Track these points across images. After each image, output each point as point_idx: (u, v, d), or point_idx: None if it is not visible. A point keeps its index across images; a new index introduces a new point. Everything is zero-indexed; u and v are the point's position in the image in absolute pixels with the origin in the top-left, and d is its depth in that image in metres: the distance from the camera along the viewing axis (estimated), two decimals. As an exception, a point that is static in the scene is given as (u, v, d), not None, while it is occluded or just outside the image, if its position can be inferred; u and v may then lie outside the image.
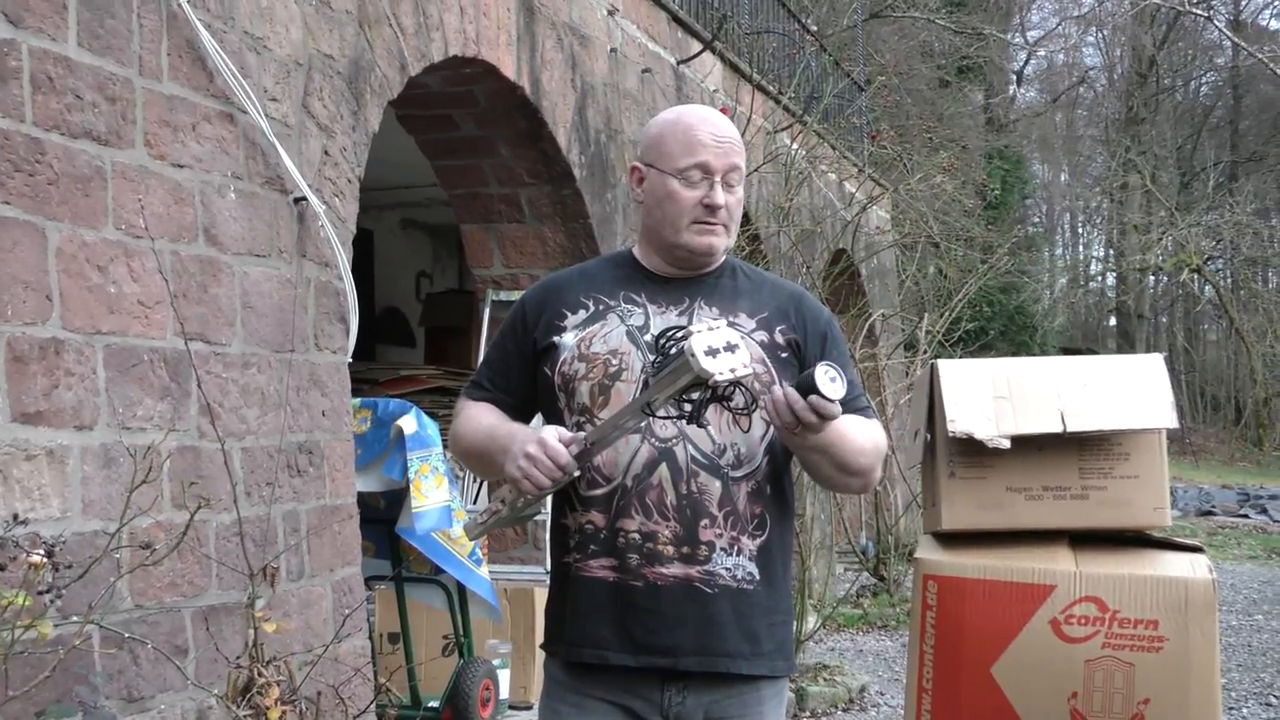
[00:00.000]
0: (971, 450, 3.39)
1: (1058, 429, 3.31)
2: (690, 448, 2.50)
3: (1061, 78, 37.97)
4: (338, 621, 4.57)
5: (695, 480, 2.49)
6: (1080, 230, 43.66)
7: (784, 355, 2.63)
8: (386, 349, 10.95)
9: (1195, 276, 29.00)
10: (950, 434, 3.39)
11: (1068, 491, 3.40)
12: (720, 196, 2.58)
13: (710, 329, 2.27)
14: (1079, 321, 38.92)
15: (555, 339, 2.60)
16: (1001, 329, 28.51)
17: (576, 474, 2.44)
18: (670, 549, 2.48)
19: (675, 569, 2.48)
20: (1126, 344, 35.90)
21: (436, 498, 5.17)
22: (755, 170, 8.61)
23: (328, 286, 4.77)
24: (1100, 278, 38.30)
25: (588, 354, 2.55)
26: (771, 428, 2.56)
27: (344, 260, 4.80)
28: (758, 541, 2.55)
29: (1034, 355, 29.21)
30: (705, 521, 2.49)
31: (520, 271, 7.13)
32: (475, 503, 6.85)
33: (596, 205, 7.15)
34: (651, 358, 2.53)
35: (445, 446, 5.34)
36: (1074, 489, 3.40)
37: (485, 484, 7.09)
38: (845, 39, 15.92)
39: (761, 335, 2.63)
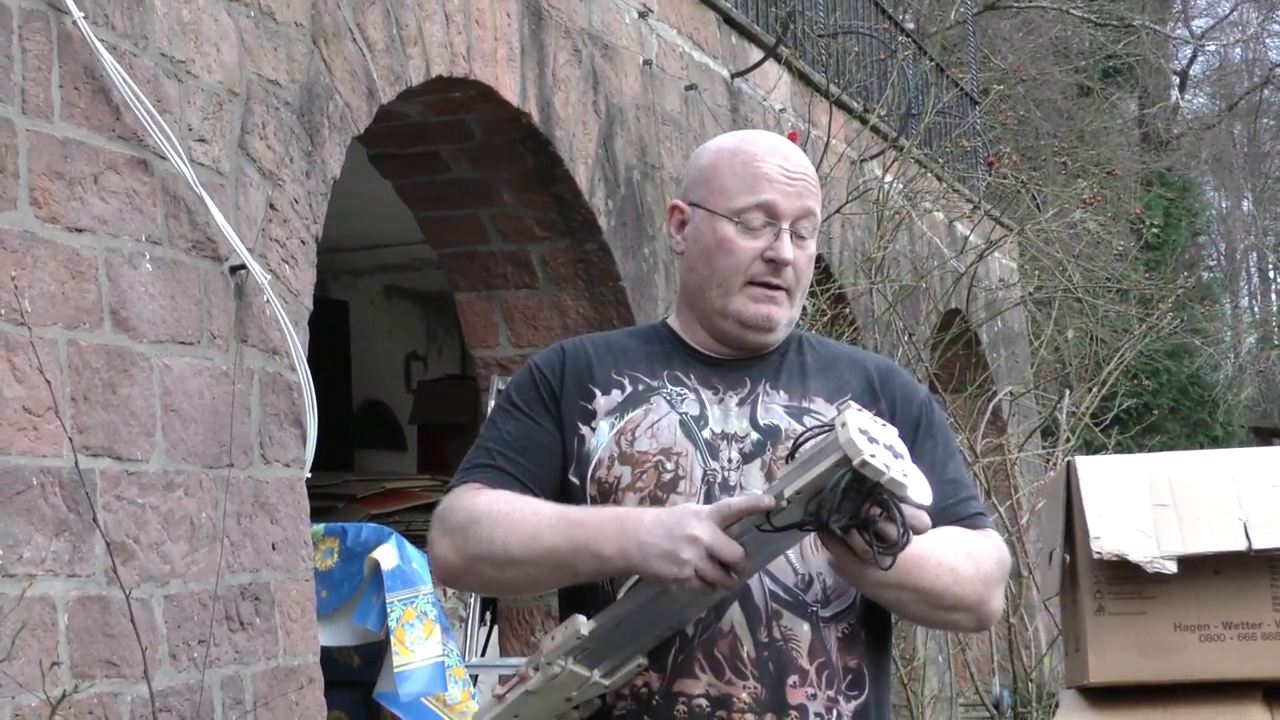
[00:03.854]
0: (1125, 577, 3.32)
1: (1241, 546, 3.24)
2: (768, 580, 2.45)
3: (1239, 78, 37.99)
4: (296, 821, 4.52)
5: (778, 624, 2.44)
6: (1272, 274, 43.49)
7: None
8: (368, 454, 10.97)
9: None
10: (1095, 555, 3.32)
11: (1258, 630, 3.32)
12: (788, 250, 2.54)
13: (875, 417, 2.23)
14: (1275, 394, 38.62)
15: (584, 431, 2.54)
16: (1171, 405, 28.36)
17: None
18: (750, 718, 2.42)
19: None
20: (1338, 421, 35.55)
21: (426, 652, 5.14)
22: (837, 211, 8.60)
23: (277, 380, 4.76)
24: (1301, 335, 38.03)
25: (632, 454, 2.50)
26: None
27: (297, 345, 4.80)
28: (854, 704, 2.50)
29: (1215, 437, 29.21)
30: (794, 679, 2.44)
31: (534, 351, 7.11)
32: (483, 655, 6.78)
33: (630, 263, 7.14)
34: (715, 463, 2.49)
35: (437, 583, 5.30)
36: (1266, 626, 3.32)
37: (494, 630, 7.02)
38: (953, 39, 15.98)
39: None
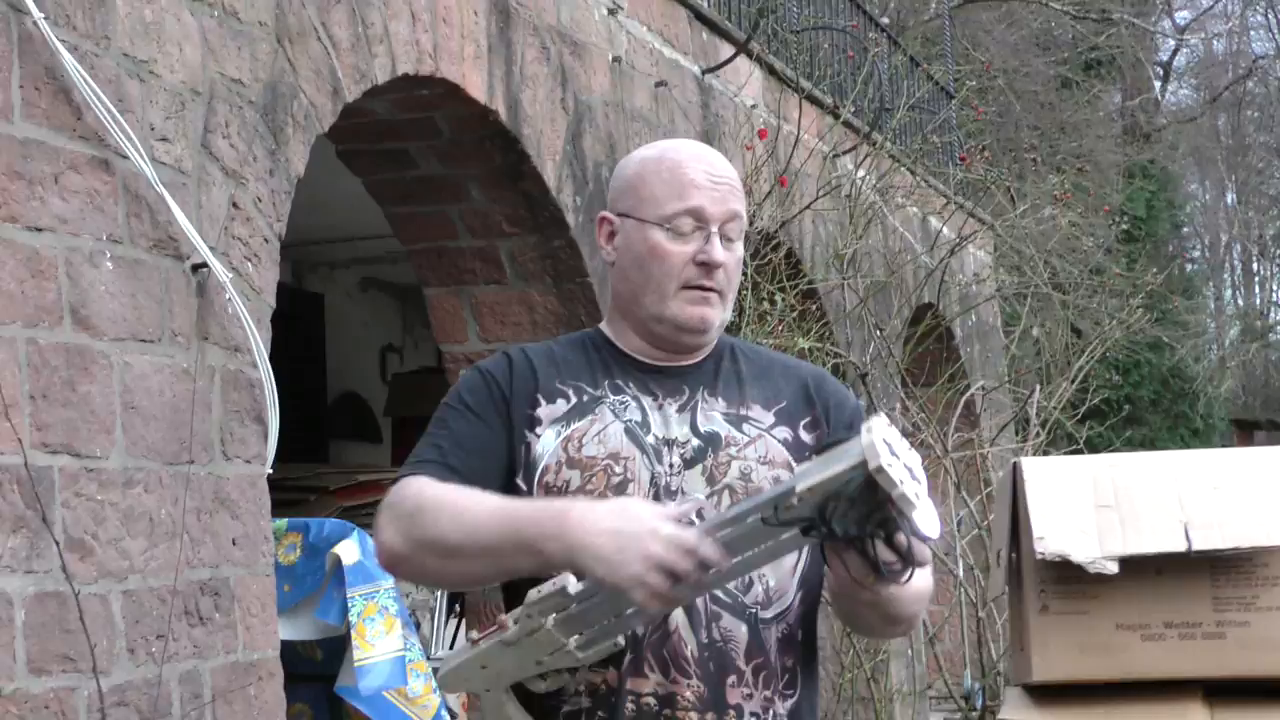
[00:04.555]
0: (1069, 577, 3.37)
1: (1181, 547, 3.29)
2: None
3: (1222, 70, 37.94)
4: (256, 814, 4.56)
5: (718, 625, 2.49)
6: (1256, 267, 43.48)
7: None
8: (343, 446, 10.98)
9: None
10: (1039, 556, 3.37)
11: (1198, 629, 3.37)
12: (719, 252, 2.59)
13: (901, 436, 2.24)
14: (1256, 386, 38.61)
15: (529, 438, 2.57)
16: (1152, 397, 28.35)
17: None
18: (693, 715, 2.46)
19: None
20: (1319, 414, 35.59)
21: (386, 647, 5.17)
22: (808, 207, 8.62)
23: (238, 377, 4.79)
24: (1282, 327, 38.08)
25: (580, 459, 2.54)
26: (804, 557, 2.57)
27: (259, 342, 4.82)
28: (789, 704, 2.55)
29: (1196, 429, 29.19)
30: (733, 679, 2.49)
31: (502, 346, 7.14)
32: (451, 648, 6.81)
33: (598, 259, 7.14)
34: (660, 466, 2.53)
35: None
36: (1206, 625, 3.37)
37: (462, 624, 7.05)
38: (933, 31, 15.99)
39: (783, 432, 2.64)
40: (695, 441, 2.57)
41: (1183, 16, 35.71)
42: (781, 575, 2.53)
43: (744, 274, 7.72)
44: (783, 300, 7.77)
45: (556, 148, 6.88)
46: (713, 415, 2.60)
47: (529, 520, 2.38)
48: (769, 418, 2.63)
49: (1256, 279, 43.32)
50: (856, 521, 2.20)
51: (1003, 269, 12.16)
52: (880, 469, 2.14)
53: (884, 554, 2.24)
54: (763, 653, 2.51)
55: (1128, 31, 23.16)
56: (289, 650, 5.15)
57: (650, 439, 2.55)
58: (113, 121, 4.27)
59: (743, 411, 2.62)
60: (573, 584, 2.32)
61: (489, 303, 7.17)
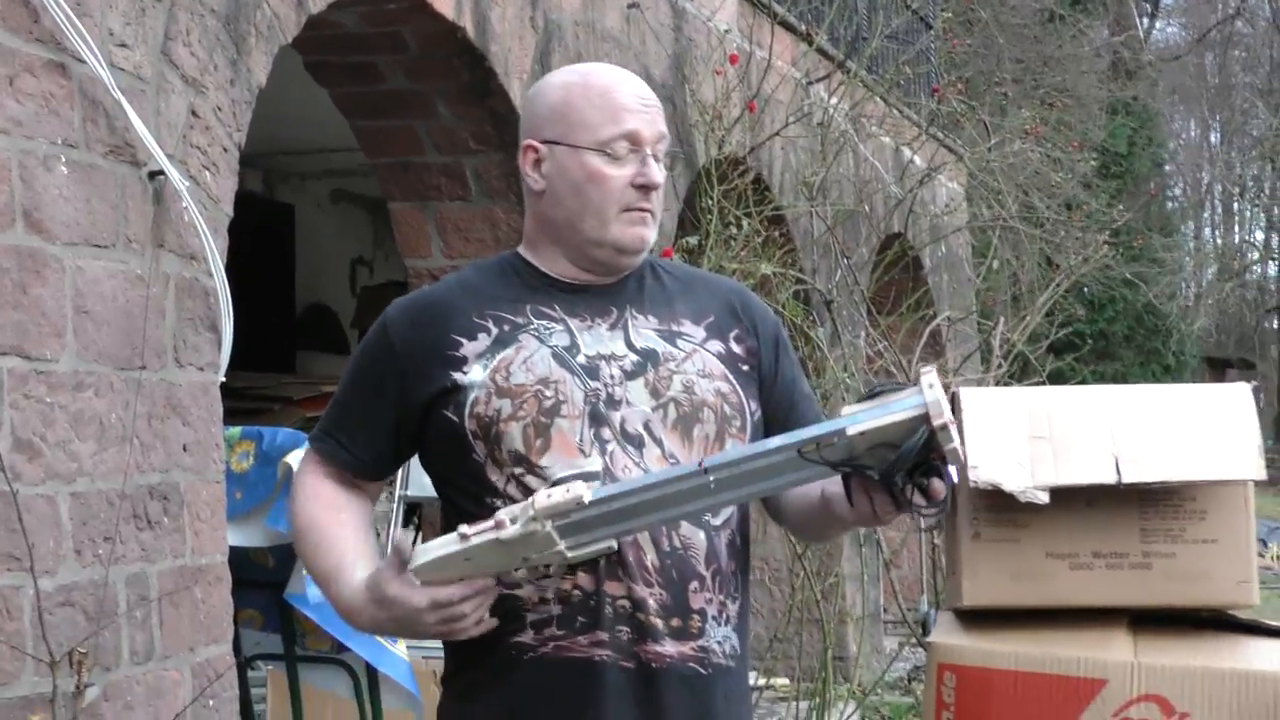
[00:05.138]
0: (1001, 506, 3.40)
1: (1111, 479, 3.32)
2: None
3: (1212, 9, 37.82)
4: (200, 716, 4.60)
5: (677, 533, 2.53)
6: (1236, 207, 43.48)
7: (746, 369, 2.70)
8: (310, 357, 11.01)
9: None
10: (972, 484, 3.40)
11: (1125, 559, 3.41)
12: (657, 173, 2.63)
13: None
14: (1230, 325, 38.74)
15: (456, 377, 2.58)
16: (1126, 333, 28.43)
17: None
18: (659, 621, 2.51)
19: (669, 646, 2.52)
20: (1291, 354, 35.72)
21: (335, 556, 5.18)
22: (777, 133, 8.63)
23: (193, 285, 4.80)
24: (1259, 267, 38.16)
25: (509, 387, 2.56)
26: None
27: (214, 251, 4.83)
28: (737, 605, 2.62)
29: (1168, 365, 29.21)
30: (695, 584, 2.54)
31: (466, 262, 7.16)
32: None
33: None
34: (595, 383, 2.56)
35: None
36: (1133, 556, 3.41)
37: (419, 535, 7.10)
38: (916, -40, 15.89)
39: (716, 345, 2.68)
40: (633, 356, 2.60)
41: (1173, -47, 35.55)
42: None
43: (712, 198, 7.79)
44: (749, 225, 7.78)
45: (524, 66, 6.87)
46: (645, 332, 2.63)
47: (341, 599, 2.56)
48: (700, 332, 2.66)
49: (1236, 219, 43.37)
50: (902, 468, 2.28)
51: (973, 201, 12.17)
52: (945, 426, 2.21)
53: (918, 499, 2.34)
54: (717, 559, 2.56)
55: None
56: (240, 556, 5.18)
57: (580, 359, 2.57)
58: (70, 25, 4.25)
59: (674, 327, 2.66)
60: (587, 493, 2.36)
61: (454, 218, 7.18)
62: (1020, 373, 9.91)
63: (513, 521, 2.37)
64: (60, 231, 4.25)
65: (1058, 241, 12.01)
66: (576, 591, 2.50)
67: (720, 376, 2.64)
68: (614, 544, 2.43)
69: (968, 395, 3.61)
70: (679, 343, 2.63)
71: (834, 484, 2.47)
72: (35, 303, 4.15)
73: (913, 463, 2.28)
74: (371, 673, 5.67)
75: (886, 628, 10.70)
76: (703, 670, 2.53)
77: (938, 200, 12.00)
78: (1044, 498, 3.38)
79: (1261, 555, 20.08)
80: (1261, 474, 3.36)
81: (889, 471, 2.28)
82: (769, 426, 2.65)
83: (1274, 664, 3.31)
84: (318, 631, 5.48)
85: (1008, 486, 3.39)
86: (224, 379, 4.95)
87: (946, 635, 3.55)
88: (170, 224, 4.69)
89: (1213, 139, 41.64)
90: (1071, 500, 3.43)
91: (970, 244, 13.28)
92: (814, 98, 9.44)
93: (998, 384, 9.28)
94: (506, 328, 2.61)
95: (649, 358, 2.61)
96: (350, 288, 11.51)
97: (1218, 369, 35.09)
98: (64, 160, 4.28)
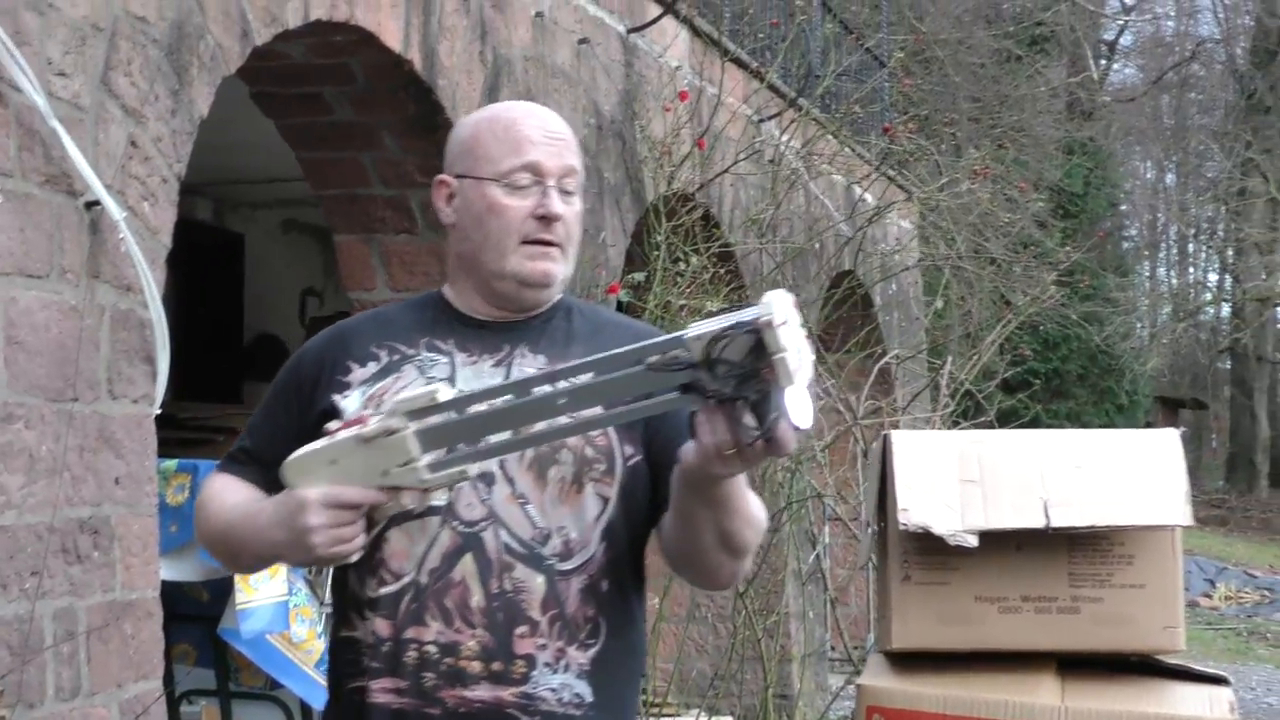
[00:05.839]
0: (931, 548, 3.42)
1: (1040, 524, 3.35)
2: (504, 533, 2.52)
3: (1169, 50, 38.08)
4: (127, 752, 4.56)
5: (509, 576, 2.51)
6: (1191, 248, 43.77)
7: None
8: (258, 388, 10.91)
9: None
10: (902, 527, 3.42)
11: (1054, 603, 3.43)
12: (557, 204, 2.62)
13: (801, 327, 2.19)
14: (1183, 364, 38.95)
15: (336, 399, 2.61)
16: (1080, 372, 28.59)
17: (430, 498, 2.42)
18: (477, 665, 2.49)
19: (483, 691, 2.49)
20: (1242, 394, 36.00)
21: (270, 591, 5.17)
22: (727, 170, 8.63)
23: (129, 317, 4.76)
24: (1212, 309, 38.43)
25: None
26: (610, 509, 2.58)
27: (151, 282, 4.79)
28: (590, 653, 2.56)
29: (1121, 405, 29.34)
30: (523, 629, 2.51)
31: (411, 294, 7.13)
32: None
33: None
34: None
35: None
36: (1062, 600, 3.43)
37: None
38: (872, 0, 15.98)
39: None
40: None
41: (1132, -4, 35.85)
42: (583, 527, 2.54)
43: (660, 234, 7.80)
44: (697, 261, 7.79)
45: (473, 100, 6.86)
46: (527, 370, 2.60)
47: (265, 511, 2.54)
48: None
49: (1191, 260, 43.67)
50: (735, 382, 2.17)
51: (924, 239, 12.21)
52: (771, 324, 2.11)
53: (750, 422, 2.20)
54: (559, 604, 2.52)
55: (1069, 10, 23.23)
56: (175, 590, 5.16)
57: (442, 384, 2.53)
58: (8, 53, 4.23)
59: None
60: (444, 392, 2.34)
61: (398, 252, 7.16)
62: (973, 411, 9.94)
63: (375, 419, 2.36)
64: (-8, 261, 4.22)
65: (1017, 280, 12.07)
66: (372, 637, 2.52)
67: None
68: (471, 470, 2.38)
69: (899, 439, 3.63)
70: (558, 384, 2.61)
71: (687, 448, 2.35)
72: (-35, 333, 4.12)
73: (745, 377, 2.16)
74: (306, 709, 5.65)
75: (832, 665, 10.69)
76: (524, 717, 2.50)
77: (888, 238, 12.04)
78: (973, 541, 3.40)
79: (1209, 596, 20.17)
80: (1189, 520, 3.38)
81: (716, 385, 2.17)
82: (659, 470, 2.59)
83: (1199, 709, 3.34)
84: (251, 668, 5.46)
85: (937, 530, 3.41)
86: (163, 410, 4.92)
87: (875, 677, 3.57)
88: (106, 255, 4.66)
89: (1168, 180, 41.94)
90: (1001, 544, 3.46)
91: (921, 282, 13.32)
92: (765, 134, 9.46)
93: (945, 423, 9.32)
94: (396, 357, 2.64)
95: None
96: (300, 318, 11.46)
97: (1171, 409, 35.35)
98: (-2, 190, 4.25)
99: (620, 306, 7.80)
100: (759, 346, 2.14)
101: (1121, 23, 33.03)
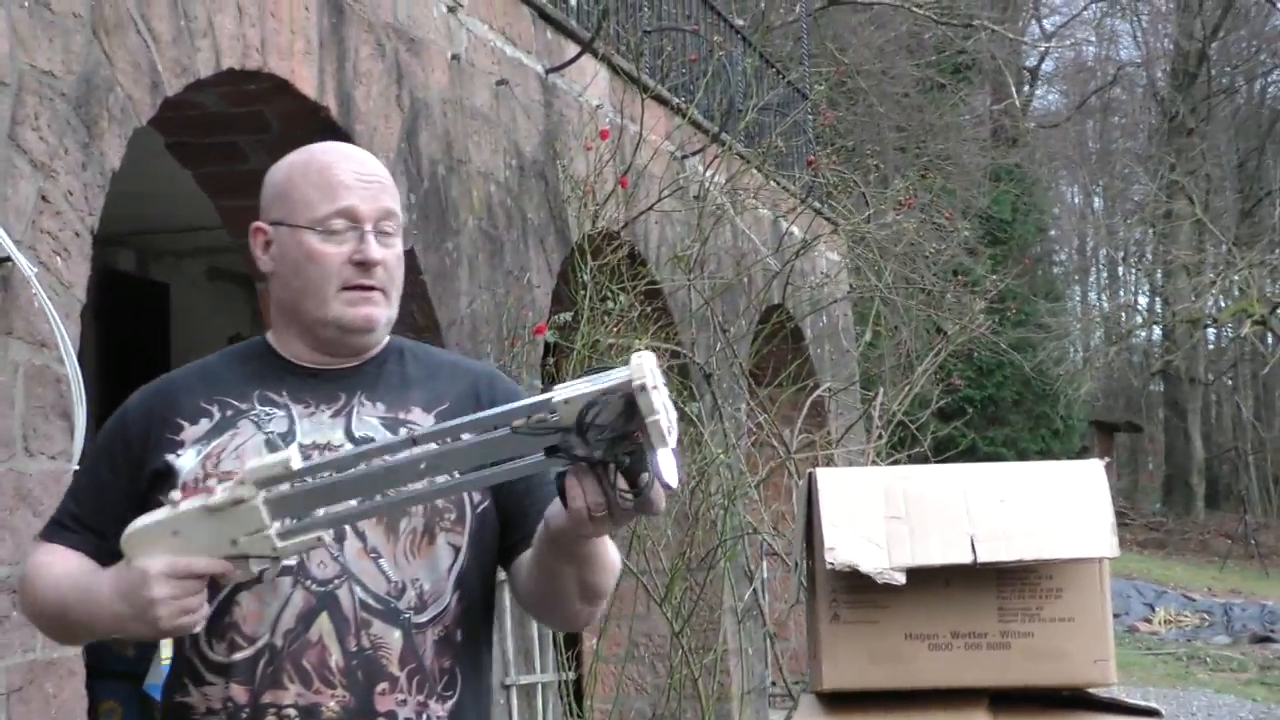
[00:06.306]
0: (859, 586, 3.41)
1: (967, 559, 3.33)
2: (358, 589, 2.49)
3: (1090, 75, 38.48)
4: (51, 814, 4.50)
5: (367, 632, 2.48)
6: (1120, 271, 44.17)
7: None
8: (188, 438, 10.88)
9: (1261, 329, 29.35)
10: (829, 566, 3.40)
11: (984, 639, 3.42)
12: (375, 250, 2.58)
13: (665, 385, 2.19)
14: (1117, 388, 39.24)
15: (169, 459, 2.55)
16: (1015, 398, 28.77)
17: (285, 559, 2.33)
18: None
19: None
20: (1176, 416, 36.27)
21: (195, 646, 5.11)
22: (651, 208, 8.65)
23: (44, 373, 4.72)
24: (1143, 331, 38.76)
25: (217, 474, 2.51)
26: (461, 557, 2.56)
27: (65, 337, 4.75)
28: (448, 705, 2.55)
29: (1057, 430, 29.53)
30: (384, 686, 2.48)
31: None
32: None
33: (432, 257, 7.14)
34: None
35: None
36: (992, 636, 3.42)
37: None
38: (795, 33, 16.07)
39: None
40: (349, 446, 2.54)
41: (1052, 22, 36.21)
42: (437, 579, 2.52)
43: (586, 273, 7.79)
44: (624, 299, 7.79)
45: (391, 145, 6.85)
46: (369, 420, 2.58)
47: (100, 583, 2.44)
48: (429, 419, 2.59)
49: (1121, 284, 44.04)
50: (606, 445, 2.16)
51: (854, 270, 12.27)
52: (644, 389, 2.11)
53: (621, 484, 2.20)
54: (416, 657, 2.50)
55: (989, 38, 23.42)
56: (101, 648, 5.10)
57: (293, 449, 2.47)
58: (-89, 112, 4.20)
59: (401, 415, 2.60)
60: (295, 458, 2.27)
61: (320, 299, 7.12)
62: (909, 441, 9.98)
63: (223, 489, 2.30)
64: (-100, 321, 4.17)
65: (943, 310, 12.14)
66: (230, 703, 2.46)
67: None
68: (325, 536, 2.33)
69: (824, 476, 3.62)
70: (401, 432, 2.55)
71: (554, 510, 2.34)
72: (-127, 395, 4.07)
73: (616, 439, 2.16)
74: (236, 764, 5.59)
75: (773, 700, 10.67)
76: None
77: (817, 270, 12.08)
78: (901, 579, 3.39)
79: (1149, 620, 20.28)
80: (1114, 551, 3.38)
81: (586, 447, 2.16)
82: (509, 514, 2.59)
83: (1132, 743, 3.33)
84: (180, 723, 5.40)
85: (864, 568, 3.40)
86: (79, 466, 4.87)
87: (808, 719, 3.55)
88: (19, 311, 4.61)
89: (1096, 204, 42.32)
90: (929, 580, 3.44)
91: (852, 314, 13.38)
92: (689, 171, 9.48)
93: (879, 454, 9.34)
94: (229, 413, 2.58)
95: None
96: (228, 367, 11.41)
97: (1106, 433, 35.56)
98: (-96, 248, 4.21)
99: (548, 347, 7.79)
100: (630, 409, 2.14)
101: (1042, 49, 33.31)
